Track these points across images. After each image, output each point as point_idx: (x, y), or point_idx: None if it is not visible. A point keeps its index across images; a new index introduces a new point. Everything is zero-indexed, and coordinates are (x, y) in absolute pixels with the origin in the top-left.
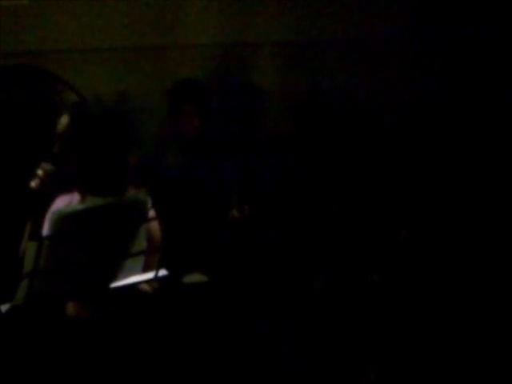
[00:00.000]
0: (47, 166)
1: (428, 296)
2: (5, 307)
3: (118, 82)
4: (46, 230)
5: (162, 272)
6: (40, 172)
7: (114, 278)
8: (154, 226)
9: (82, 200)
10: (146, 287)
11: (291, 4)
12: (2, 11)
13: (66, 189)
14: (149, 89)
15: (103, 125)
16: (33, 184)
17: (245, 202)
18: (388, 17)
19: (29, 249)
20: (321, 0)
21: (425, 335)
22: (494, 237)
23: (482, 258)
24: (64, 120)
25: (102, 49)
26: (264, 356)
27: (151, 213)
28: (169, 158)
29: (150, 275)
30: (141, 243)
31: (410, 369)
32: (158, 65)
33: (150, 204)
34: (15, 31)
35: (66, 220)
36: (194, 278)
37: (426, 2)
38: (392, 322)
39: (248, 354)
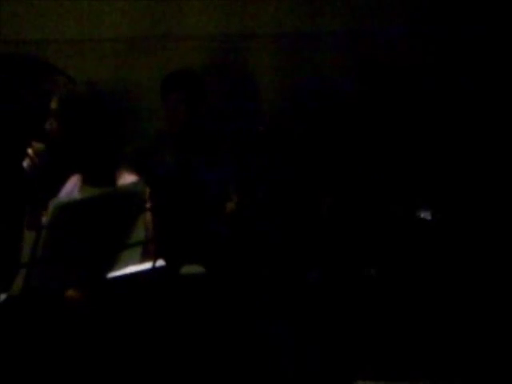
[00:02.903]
0: (37, 144)
1: (425, 291)
2: (2, 297)
3: (117, 74)
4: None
5: (160, 263)
6: (30, 151)
7: (112, 268)
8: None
9: (80, 189)
10: None
11: None
12: (2, 0)
13: (72, 171)
14: (148, 80)
15: (92, 106)
16: (24, 164)
17: (241, 195)
18: (389, 12)
19: (27, 239)
20: None
21: (421, 330)
22: (493, 231)
23: (480, 252)
24: (54, 99)
25: (102, 40)
26: (259, 349)
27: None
28: (165, 152)
29: (147, 265)
30: (138, 233)
31: (406, 363)
32: (157, 56)
33: (147, 194)
34: (12, 20)
35: (63, 210)
36: (191, 269)
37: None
38: (388, 316)
39: (243, 347)
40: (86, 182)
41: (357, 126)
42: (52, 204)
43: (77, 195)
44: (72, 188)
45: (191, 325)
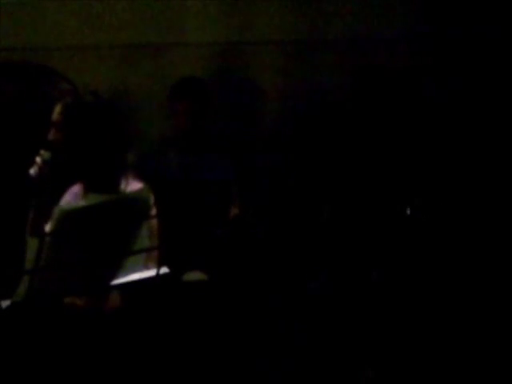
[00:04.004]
0: (45, 153)
1: (428, 294)
2: (5, 303)
3: (117, 80)
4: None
5: (163, 270)
6: (38, 159)
7: (115, 275)
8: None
9: (84, 196)
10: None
11: (292, 3)
12: (2, 7)
13: (75, 180)
14: (148, 87)
15: (98, 116)
16: (31, 172)
17: (244, 200)
18: (389, 17)
19: (30, 245)
20: None
21: (424, 333)
22: (495, 233)
23: (483, 254)
24: (57, 108)
25: (102, 46)
26: (262, 354)
27: (154, 210)
28: (168, 157)
29: (151, 273)
30: (142, 240)
31: (409, 367)
32: (157, 63)
33: (152, 201)
34: (15, 27)
35: (67, 217)
36: (194, 276)
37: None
38: (391, 320)
39: (247, 353)
40: (89, 188)
41: (357, 129)
42: (56, 210)
43: (81, 202)
44: (72, 198)
45: (194, 332)
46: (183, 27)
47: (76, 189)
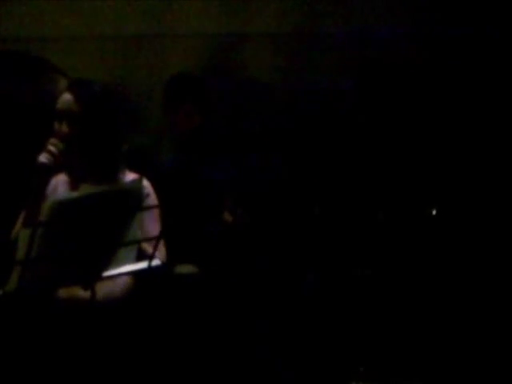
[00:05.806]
0: (59, 144)
1: (419, 290)
2: None
3: (111, 71)
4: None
5: (155, 262)
6: (53, 148)
7: (107, 266)
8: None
9: (72, 186)
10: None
11: None
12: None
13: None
14: (143, 79)
15: (111, 107)
16: (43, 159)
17: (237, 204)
18: (389, 12)
19: (22, 236)
20: None
21: (416, 329)
22: (487, 226)
23: (475, 250)
24: (67, 97)
25: (99, 37)
26: (253, 352)
27: (148, 201)
28: (165, 155)
29: (143, 265)
30: (135, 232)
31: (400, 363)
32: (152, 55)
33: (145, 192)
34: (11, 17)
35: (60, 208)
36: (186, 269)
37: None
38: (384, 316)
39: (237, 350)
40: (83, 179)
41: (355, 128)
42: (49, 201)
43: (74, 192)
44: (56, 184)
45: (185, 325)
46: (183, 19)
47: (62, 178)
